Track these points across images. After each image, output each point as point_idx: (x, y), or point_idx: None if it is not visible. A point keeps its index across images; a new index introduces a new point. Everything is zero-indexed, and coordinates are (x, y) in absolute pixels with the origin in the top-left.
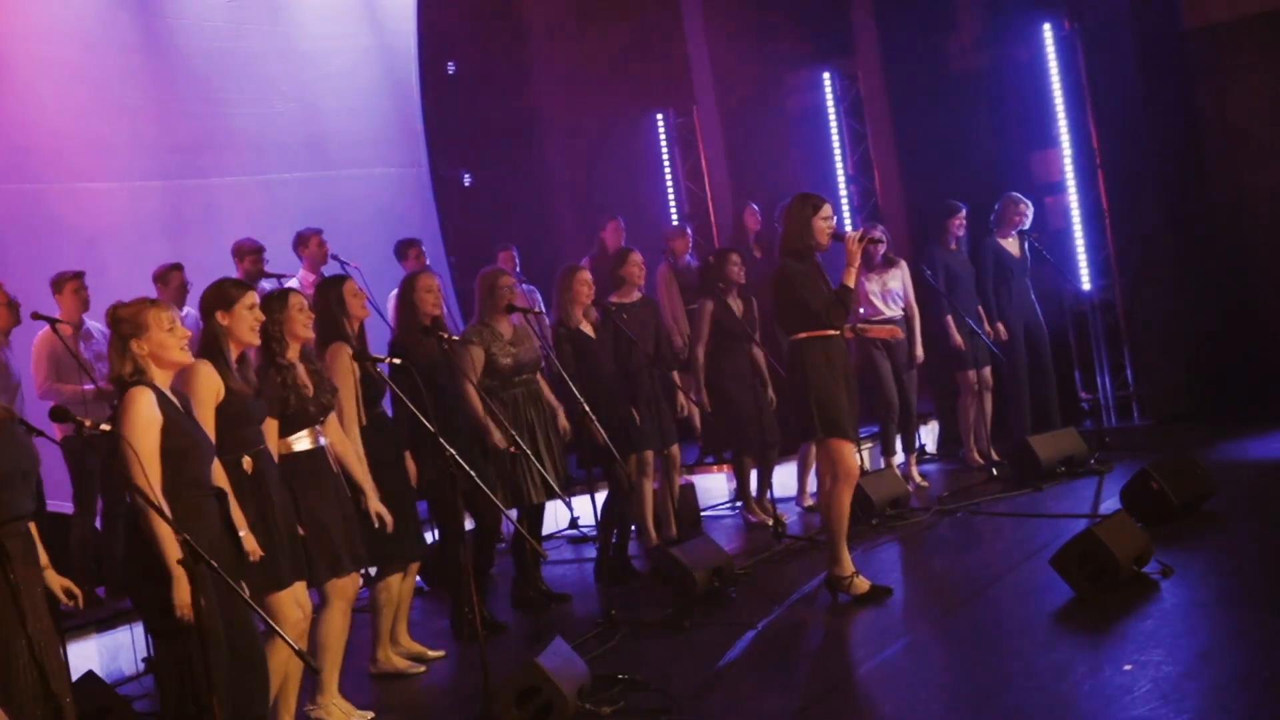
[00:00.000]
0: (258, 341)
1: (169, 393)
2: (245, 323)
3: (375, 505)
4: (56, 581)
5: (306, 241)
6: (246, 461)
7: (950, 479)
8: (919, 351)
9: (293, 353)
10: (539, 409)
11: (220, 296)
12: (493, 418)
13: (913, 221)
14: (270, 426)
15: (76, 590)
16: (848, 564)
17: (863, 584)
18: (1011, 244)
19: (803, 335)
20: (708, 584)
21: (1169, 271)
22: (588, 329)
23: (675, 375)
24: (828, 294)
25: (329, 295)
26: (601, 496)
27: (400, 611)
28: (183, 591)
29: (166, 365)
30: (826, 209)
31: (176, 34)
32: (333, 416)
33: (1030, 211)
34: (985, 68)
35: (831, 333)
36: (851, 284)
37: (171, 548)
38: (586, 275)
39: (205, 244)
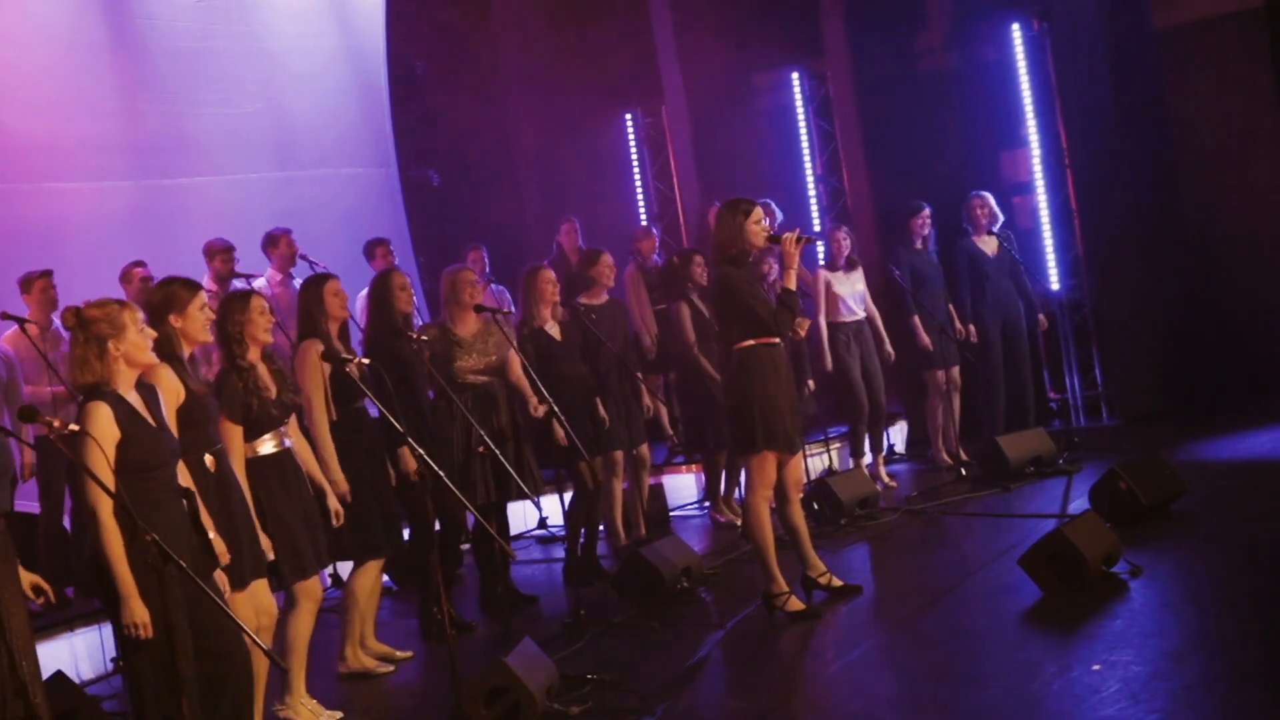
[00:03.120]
0: (211, 339)
1: (132, 397)
2: (198, 323)
3: (333, 503)
4: (26, 578)
5: (276, 242)
6: (209, 459)
7: (919, 479)
8: (889, 350)
9: (253, 354)
10: (489, 413)
11: (171, 299)
12: (459, 416)
13: (881, 222)
14: (233, 431)
15: (45, 586)
16: (780, 580)
17: (796, 603)
18: (987, 244)
19: (749, 343)
20: (676, 584)
21: (1138, 271)
22: (553, 329)
23: (640, 376)
24: (770, 300)
25: (309, 294)
26: (570, 497)
27: (367, 612)
28: (137, 611)
29: (137, 366)
30: (757, 212)
31: (145, 34)
32: (293, 415)
33: (987, 205)
34: (954, 68)
35: (775, 340)
36: (793, 286)
37: (123, 569)
38: (550, 275)
39: (173, 244)
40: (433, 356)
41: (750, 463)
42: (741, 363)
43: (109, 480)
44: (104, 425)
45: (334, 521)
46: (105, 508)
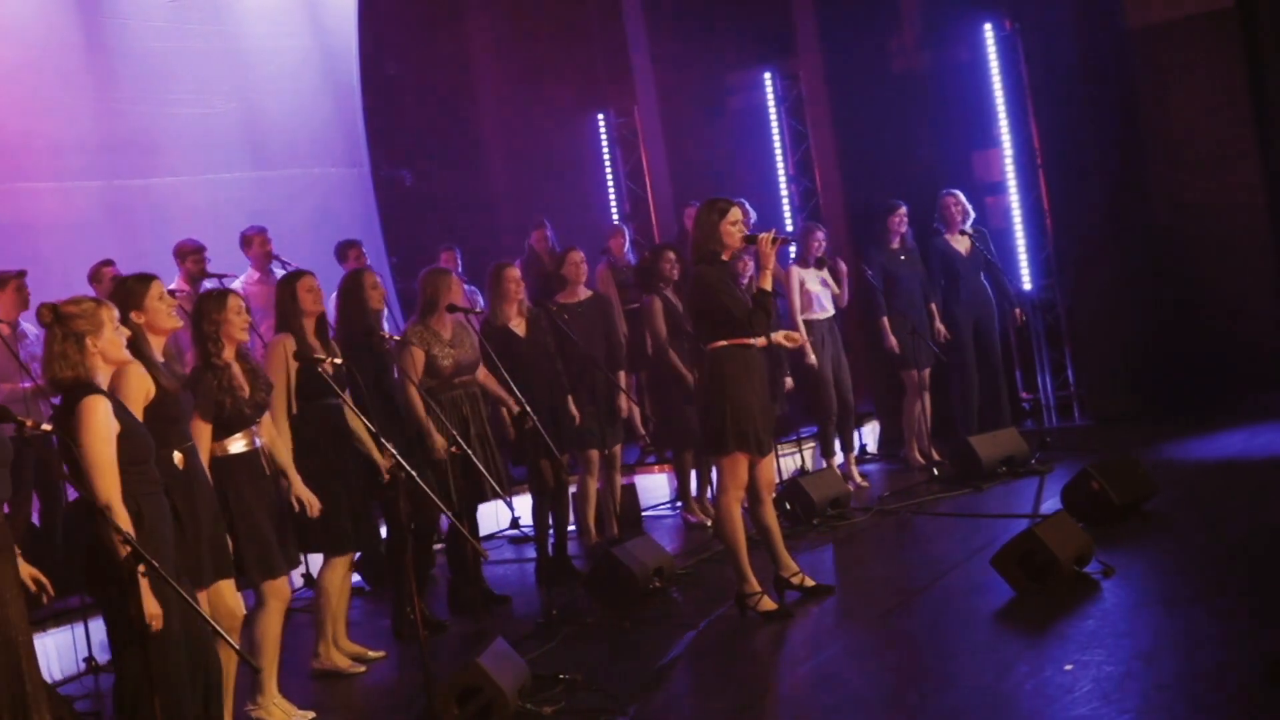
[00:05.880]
0: (180, 324)
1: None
2: (160, 313)
3: (300, 491)
4: (25, 570)
5: (250, 241)
6: (178, 456)
7: (891, 479)
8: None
9: (228, 353)
10: (475, 411)
11: (128, 296)
12: (434, 419)
13: (854, 222)
14: (203, 429)
15: (44, 579)
16: (752, 580)
17: (769, 603)
18: (959, 242)
19: (722, 344)
20: (648, 584)
21: (1109, 271)
22: (517, 327)
23: (621, 376)
24: (746, 301)
25: (284, 291)
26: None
27: (339, 609)
28: (151, 603)
29: (112, 363)
30: (734, 212)
31: (118, 33)
32: (266, 413)
33: (959, 203)
34: (927, 68)
35: (751, 341)
36: (769, 287)
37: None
38: (515, 273)
39: (147, 244)
40: (429, 357)
41: (721, 463)
42: (715, 363)
43: (116, 475)
44: (107, 418)
45: (310, 511)
46: (119, 499)
